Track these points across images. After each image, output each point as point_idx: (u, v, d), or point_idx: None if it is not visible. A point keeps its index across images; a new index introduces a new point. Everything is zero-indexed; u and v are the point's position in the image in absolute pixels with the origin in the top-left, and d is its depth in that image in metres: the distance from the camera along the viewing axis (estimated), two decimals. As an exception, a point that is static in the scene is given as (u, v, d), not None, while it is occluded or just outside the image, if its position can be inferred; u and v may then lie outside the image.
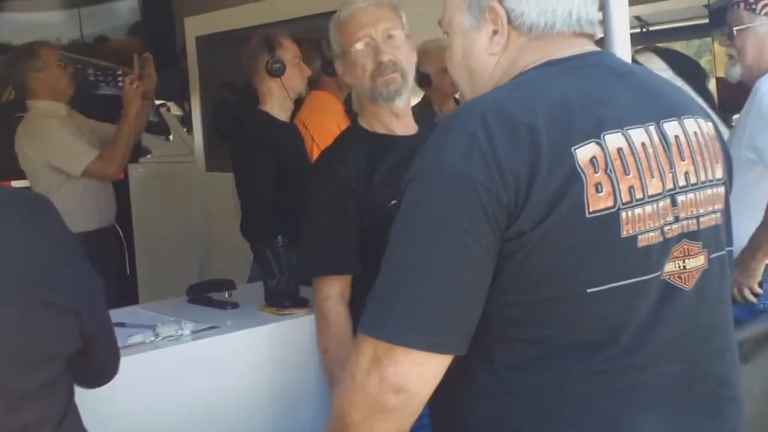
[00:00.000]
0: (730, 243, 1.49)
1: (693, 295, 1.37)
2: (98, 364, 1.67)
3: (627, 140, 1.32)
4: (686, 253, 1.37)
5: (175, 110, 6.21)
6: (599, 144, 1.29)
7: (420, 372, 1.29)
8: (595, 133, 1.30)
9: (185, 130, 5.84)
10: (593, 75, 1.40)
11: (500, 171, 1.25)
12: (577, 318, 1.31)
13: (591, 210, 1.27)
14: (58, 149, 3.82)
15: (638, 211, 1.30)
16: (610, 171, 1.29)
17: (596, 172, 1.28)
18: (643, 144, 1.33)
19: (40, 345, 1.46)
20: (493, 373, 1.35)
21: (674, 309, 1.35)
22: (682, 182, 1.37)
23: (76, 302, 1.49)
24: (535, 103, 1.32)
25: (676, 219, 1.35)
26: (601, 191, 1.27)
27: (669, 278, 1.35)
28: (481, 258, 1.27)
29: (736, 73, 2.93)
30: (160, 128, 5.85)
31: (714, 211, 1.42)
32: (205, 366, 2.29)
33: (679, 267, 1.36)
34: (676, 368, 1.37)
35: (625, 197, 1.29)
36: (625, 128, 1.33)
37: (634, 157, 1.32)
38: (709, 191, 1.41)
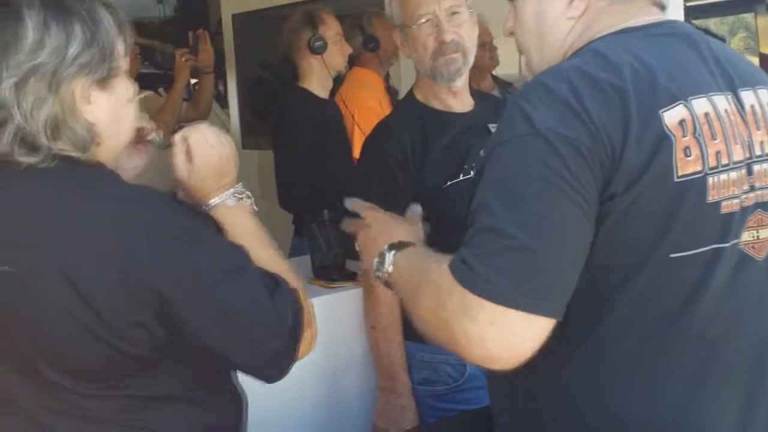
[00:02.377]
0: None
1: (763, 265, 1.37)
2: (229, 353, 1.41)
3: (712, 105, 1.31)
4: (760, 223, 1.36)
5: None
6: (687, 107, 1.28)
7: (529, 333, 1.22)
8: (682, 96, 1.29)
9: (221, 108, 5.85)
10: (671, 43, 1.39)
11: (598, 133, 1.23)
12: (656, 284, 1.30)
13: (680, 174, 1.26)
14: None
15: (723, 177, 1.29)
16: (699, 135, 1.28)
17: (685, 136, 1.27)
18: (726, 111, 1.33)
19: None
20: (568, 340, 1.31)
21: (746, 280, 1.35)
22: (758, 151, 1.36)
23: None
24: (620, 67, 1.30)
25: (752, 188, 1.34)
26: (690, 155, 1.27)
27: (744, 248, 1.34)
28: (589, 217, 1.24)
29: None
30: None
31: None
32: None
33: (754, 237, 1.35)
34: (748, 342, 1.37)
35: (713, 162, 1.28)
36: (709, 94, 1.32)
37: (720, 123, 1.31)
38: None
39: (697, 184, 1.27)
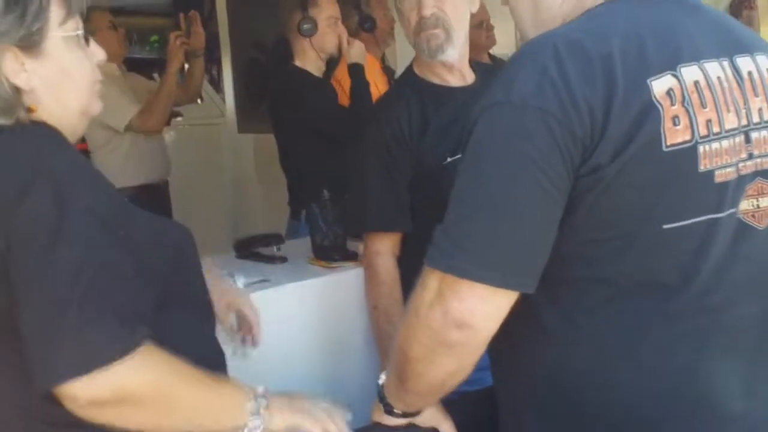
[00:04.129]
0: None
1: (765, 234, 1.35)
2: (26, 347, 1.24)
3: (703, 73, 1.29)
4: (760, 192, 1.34)
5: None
6: (676, 76, 1.26)
7: (485, 308, 1.26)
8: (671, 65, 1.27)
9: (216, 92, 5.82)
10: (666, 8, 1.37)
11: (574, 103, 1.22)
12: (651, 256, 1.28)
13: (668, 143, 1.24)
14: (104, 106, 3.85)
15: (715, 145, 1.27)
16: (687, 104, 1.26)
17: (673, 105, 1.25)
18: (719, 78, 1.31)
19: None
20: (562, 316, 1.33)
21: (748, 249, 1.33)
22: (755, 119, 1.34)
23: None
24: (609, 35, 1.28)
25: (750, 156, 1.32)
26: (679, 124, 1.25)
27: (743, 217, 1.32)
28: (552, 192, 1.24)
29: None
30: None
31: None
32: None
33: (753, 206, 1.33)
34: (752, 310, 1.35)
35: (703, 131, 1.26)
36: (701, 61, 1.30)
37: (711, 91, 1.29)
38: None
39: (688, 153, 1.25)
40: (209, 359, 1.47)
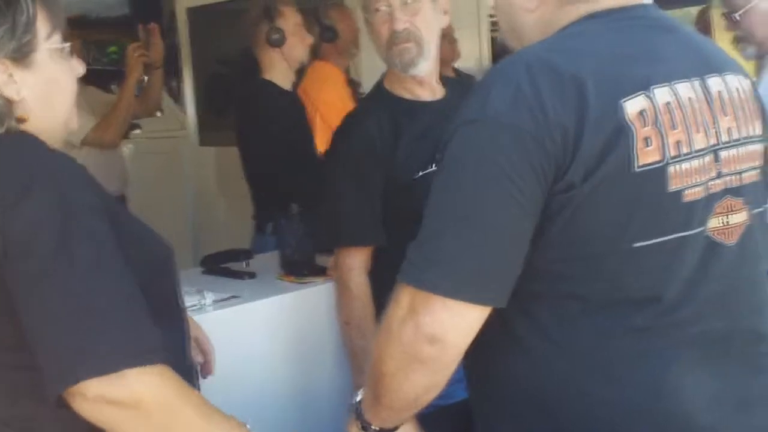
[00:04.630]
0: (765, 201, 1.48)
1: (736, 251, 1.37)
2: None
3: (674, 94, 1.31)
4: (729, 209, 1.36)
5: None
6: (648, 97, 1.28)
7: (457, 322, 1.27)
8: (644, 85, 1.29)
9: (176, 104, 5.77)
10: (639, 28, 1.39)
11: (547, 122, 1.23)
12: (622, 273, 1.30)
13: (639, 164, 1.26)
14: None
15: (685, 165, 1.30)
16: (659, 125, 1.28)
17: (645, 126, 1.27)
18: (689, 99, 1.33)
19: None
20: (535, 330, 1.34)
21: (718, 265, 1.35)
22: (725, 138, 1.36)
23: None
24: (583, 55, 1.30)
25: (719, 174, 1.35)
26: (650, 145, 1.27)
27: (712, 234, 1.34)
28: (525, 210, 1.25)
29: (751, 52, 2.95)
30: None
31: (754, 168, 1.42)
32: (227, 335, 2.25)
33: (723, 223, 1.35)
34: (719, 325, 1.37)
35: (673, 151, 1.29)
36: (672, 82, 1.32)
37: (682, 112, 1.31)
38: (750, 147, 1.41)
39: (658, 174, 1.27)
40: (184, 375, 1.43)
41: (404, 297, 1.29)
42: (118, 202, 1.53)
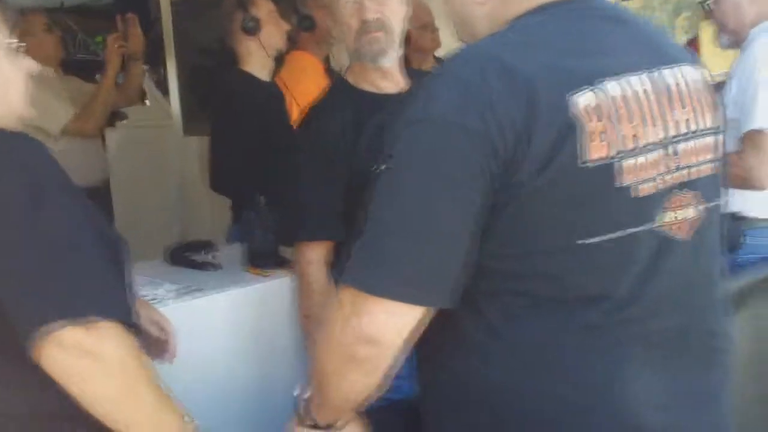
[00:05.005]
0: (725, 193, 1.46)
1: (690, 246, 1.35)
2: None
3: (625, 87, 1.28)
4: (682, 203, 1.34)
5: (151, 74, 6.12)
6: (597, 91, 1.26)
7: (395, 324, 1.25)
8: (592, 80, 1.26)
9: (162, 94, 5.76)
10: (590, 20, 1.37)
11: (497, 121, 1.21)
12: (570, 270, 1.28)
13: (587, 159, 1.23)
14: (36, 109, 3.81)
15: (634, 160, 1.27)
16: (607, 119, 1.25)
17: (593, 121, 1.24)
18: (642, 92, 1.30)
19: None
20: (484, 327, 1.33)
21: (670, 261, 1.33)
22: (683, 129, 1.34)
23: None
24: (532, 50, 1.28)
25: (677, 168, 1.32)
26: (599, 140, 1.24)
27: (666, 229, 1.32)
28: (470, 209, 1.23)
29: (725, 42, 2.94)
30: (136, 92, 5.76)
31: (709, 161, 1.39)
32: (188, 328, 2.24)
33: (675, 218, 1.33)
34: (673, 321, 1.35)
35: (622, 146, 1.26)
36: (623, 75, 1.29)
37: (633, 105, 1.28)
38: (706, 140, 1.38)
39: (605, 169, 1.25)
40: None
41: (345, 297, 1.27)
42: (82, 193, 1.55)
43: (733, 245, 2.83)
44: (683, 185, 1.34)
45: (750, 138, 2.63)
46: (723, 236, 1.48)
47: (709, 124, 1.39)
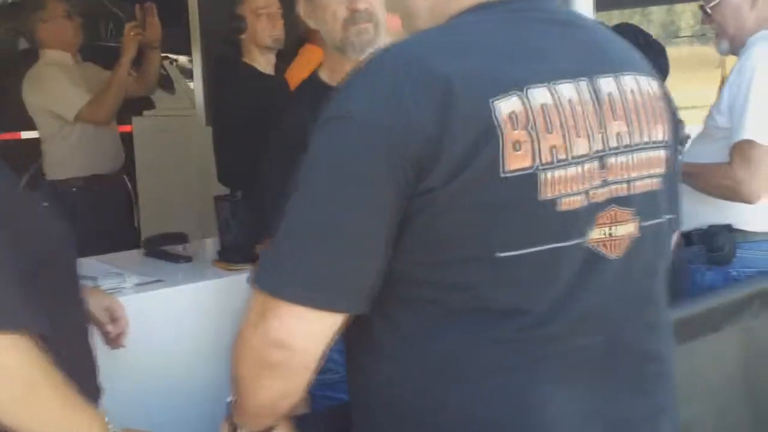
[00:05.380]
0: (672, 210, 1.39)
1: (621, 264, 1.28)
2: None
3: (553, 95, 1.22)
4: (614, 220, 1.27)
5: (184, 64, 6.19)
6: (522, 98, 1.20)
7: (305, 328, 1.22)
8: (518, 85, 1.20)
9: (189, 84, 5.83)
10: (530, 22, 1.31)
11: (407, 124, 1.16)
12: (486, 283, 1.23)
13: (507, 169, 1.17)
14: (53, 95, 3.93)
15: (560, 173, 1.21)
16: (531, 128, 1.19)
17: (515, 129, 1.18)
18: (570, 100, 1.24)
19: None
20: (396, 335, 1.29)
21: (598, 278, 1.27)
22: (613, 143, 1.27)
23: None
24: (457, 51, 1.23)
25: (604, 182, 1.26)
26: (519, 149, 1.18)
27: (594, 246, 1.26)
28: (381, 213, 1.19)
29: (724, 48, 2.85)
30: (164, 82, 5.84)
31: (651, 176, 1.32)
32: (148, 319, 2.26)
33: (606, 234, 1.26)
34: (597, 340, 1.29)
35: (546, 157, 1.20)
36: (553, 82, 1.23)
37: (560, 115, 1.22)
38: (645, 154, 1.31)
39: (527, 180, 1.19)
40: (83, 360, 1.55)
41: (256, 301, 1.24)
42: (22, 193, 1.57)
43: (726, 258, 2.76)
44: (615, 201, 1.27)
45: (740, 149, 2.55)
46: (668, 255, 1.41)
47: (653, 137, 1.33)
